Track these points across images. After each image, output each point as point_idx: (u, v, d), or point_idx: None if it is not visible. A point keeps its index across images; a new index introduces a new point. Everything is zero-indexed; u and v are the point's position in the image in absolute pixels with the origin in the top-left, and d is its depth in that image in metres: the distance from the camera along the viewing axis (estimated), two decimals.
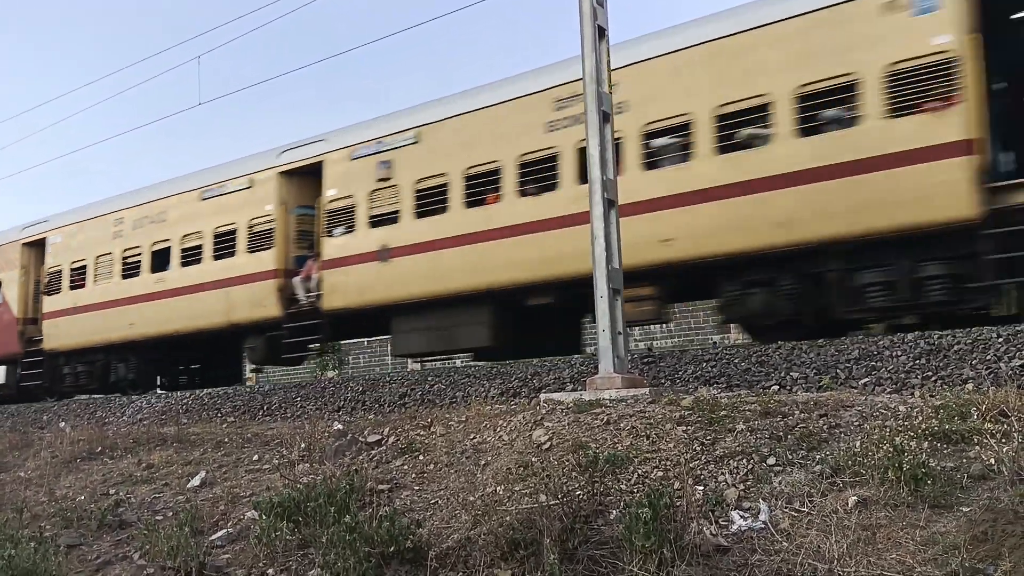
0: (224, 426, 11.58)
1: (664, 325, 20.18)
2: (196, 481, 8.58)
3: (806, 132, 10.16)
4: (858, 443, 5.74)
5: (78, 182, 72.43)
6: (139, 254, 17.40)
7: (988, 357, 7.82)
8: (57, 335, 18.83)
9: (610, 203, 8.57)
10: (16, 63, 77.54)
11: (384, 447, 8.01)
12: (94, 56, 72.36)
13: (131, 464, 9.66)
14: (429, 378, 11.62)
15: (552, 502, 5.60)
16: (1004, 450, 5.25)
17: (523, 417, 7.43)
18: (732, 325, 14.78)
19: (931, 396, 6.65)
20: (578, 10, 8.79)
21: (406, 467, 7.42)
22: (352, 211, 14.09)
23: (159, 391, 17.51)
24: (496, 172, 12.48)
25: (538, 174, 12.10)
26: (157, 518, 7.77)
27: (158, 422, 12.87)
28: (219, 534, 7.19)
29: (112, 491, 8.88)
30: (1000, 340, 7.94)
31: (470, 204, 12.75)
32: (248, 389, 14.73)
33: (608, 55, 8.90)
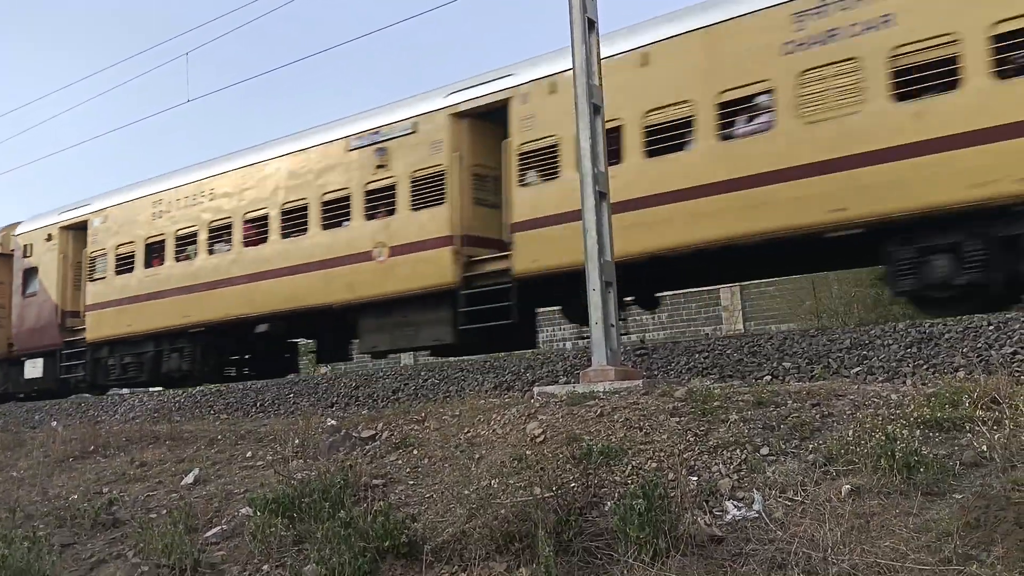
0: (217, 423, 11.53)
1: (656, 317, 20.26)
2: (190, 479, 8.56)
3: None
4: (851, 432, 5.75)
5: (64, 181, 72.14)
6: None
7: (979, 345, 7.85)
8: None
9: (601, 195, 8.56)
10: (0, 62, 77.08)
11: (378, 442, 8.00)
12: (81, 54, 71.97)
13: (124, 462, 9.63)
14: (422, 373, 11.62)
15: (546, 494, 5.60)
16: (996, 437, 5.28)
17: (517, 410, 7.43)
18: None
19: (923, 384, 6.68)
20: (568, 2, 8.79)
21: (400, 462, 7.41)
22: None
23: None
24: None
25: None
26: (151, 516, 7.74)
27: (151, 420, 12.83)
28: (213, 531, 7.17)
29: (105, 490, 8.86)
30: (991, 328, 7.97)
31: None
32: (240, 386, 14.71)
33: (598, 47, 8.91)
